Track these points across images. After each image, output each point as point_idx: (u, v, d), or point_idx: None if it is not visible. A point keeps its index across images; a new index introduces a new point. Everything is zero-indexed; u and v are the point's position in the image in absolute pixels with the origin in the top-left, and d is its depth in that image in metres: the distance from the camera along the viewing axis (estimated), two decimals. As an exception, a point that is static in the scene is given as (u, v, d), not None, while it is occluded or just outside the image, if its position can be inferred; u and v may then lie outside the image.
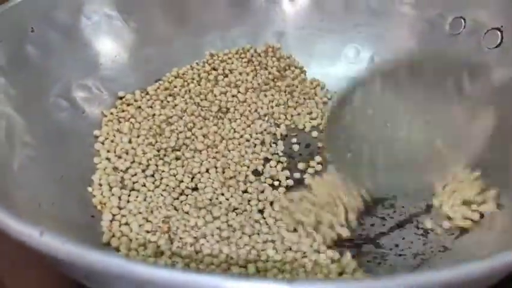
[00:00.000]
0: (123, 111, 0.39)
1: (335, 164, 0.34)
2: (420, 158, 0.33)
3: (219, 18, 0.45)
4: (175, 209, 0.33)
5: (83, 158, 0.36)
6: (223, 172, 0.36)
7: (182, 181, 0.35)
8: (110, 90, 0.40)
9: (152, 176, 0.35)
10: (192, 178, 0.35)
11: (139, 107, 0.40)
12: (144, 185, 0.34)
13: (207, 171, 0.36)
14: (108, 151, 0.36)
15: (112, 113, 0.39)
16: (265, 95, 0.42)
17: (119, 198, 0.33)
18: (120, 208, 0.33)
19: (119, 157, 0.36)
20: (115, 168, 0.35)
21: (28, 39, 0.35)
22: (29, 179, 0.31)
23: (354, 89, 0.37)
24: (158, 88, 0.41)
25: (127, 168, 0.35)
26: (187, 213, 0.32)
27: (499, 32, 0.37)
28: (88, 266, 0.17)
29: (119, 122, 0.38)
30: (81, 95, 0.38)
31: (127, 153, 0.36)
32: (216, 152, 0.37)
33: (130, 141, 0.37)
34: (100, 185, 0.34)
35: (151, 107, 0.40)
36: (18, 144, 0.32)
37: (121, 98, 0.40)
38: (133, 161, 0.36)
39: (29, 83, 0.35)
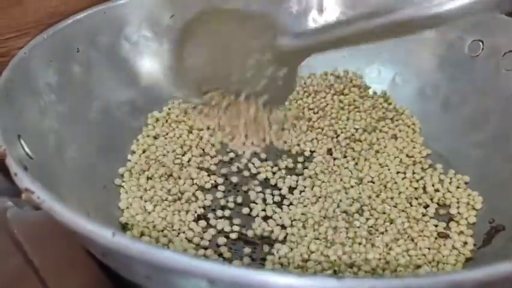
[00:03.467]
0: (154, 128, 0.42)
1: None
2: None
3: (247, 39, 0.47)
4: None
5: (122, 169, 0.38)
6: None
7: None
8: (147, 106, 0.42)
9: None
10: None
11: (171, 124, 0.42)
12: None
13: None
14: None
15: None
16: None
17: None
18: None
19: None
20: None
21: (74, 59, 0.38)
22: (77, 189, 0.33)
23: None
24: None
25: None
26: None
27: (516, 55, 0.39)
28: (155, 262, 0.19)
29: (155, 138, 0.41)
30: (120, 110, 0.41)
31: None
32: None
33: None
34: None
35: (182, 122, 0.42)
36: (67, 157, 0.34)
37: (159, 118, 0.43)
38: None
39: (74, 99, 0.37)
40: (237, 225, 0.35)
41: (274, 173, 0.39)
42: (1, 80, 0.31)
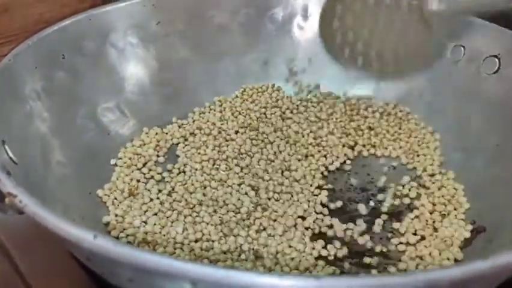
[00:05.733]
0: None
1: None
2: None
3: (233, 45, 0.47)
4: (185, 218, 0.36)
5: (108, 175, 0.38)
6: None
7: (192, 192, 0.37)
8: (133, 113, 0.42)
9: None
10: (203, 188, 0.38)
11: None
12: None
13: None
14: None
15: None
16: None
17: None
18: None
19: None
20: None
21: (60, 66, 0.38)
22: (63, 195, 0.33)
23: None
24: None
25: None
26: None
27: (496, 59, 0.39)
28: (137, 264, 0.19)
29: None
30: (106, 117, 0.41)
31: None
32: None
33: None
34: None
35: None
36: (53, 162, 0.34)
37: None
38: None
39: (60, 106, 0.37)
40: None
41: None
42: (-15, 87, 0.31)
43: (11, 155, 0.29)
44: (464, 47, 0.42)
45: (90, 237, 0.20)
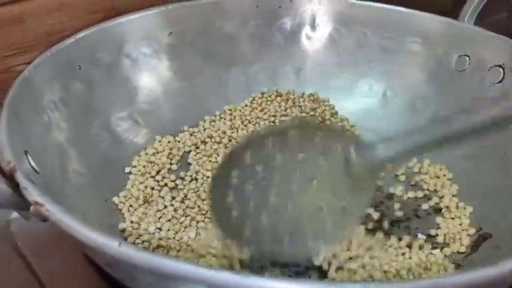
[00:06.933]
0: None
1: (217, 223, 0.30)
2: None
3: (243, 55, 0.49)
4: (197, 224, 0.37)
5: (123, 183, 0.39)
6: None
7: (205, 199, 0.38)
8: (146, 121, 0.44)
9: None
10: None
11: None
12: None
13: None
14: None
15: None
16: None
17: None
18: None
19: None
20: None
21: (76, 76, 0.39)
22: (80, 202, 0.34)
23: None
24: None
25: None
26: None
27: (501, 69, 0.40)
28: (159, 270, 0.20)
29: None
30: (120, 126, 0.42)
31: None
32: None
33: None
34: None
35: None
36: (70, 171, 0.35)
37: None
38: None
39: (76, 116, 0.38)
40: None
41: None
42: (8, 98, 0.32)
43: (33, 164, 0.30)
44: (469, 56, 0.43)
45: (115, 244, 0.21)
